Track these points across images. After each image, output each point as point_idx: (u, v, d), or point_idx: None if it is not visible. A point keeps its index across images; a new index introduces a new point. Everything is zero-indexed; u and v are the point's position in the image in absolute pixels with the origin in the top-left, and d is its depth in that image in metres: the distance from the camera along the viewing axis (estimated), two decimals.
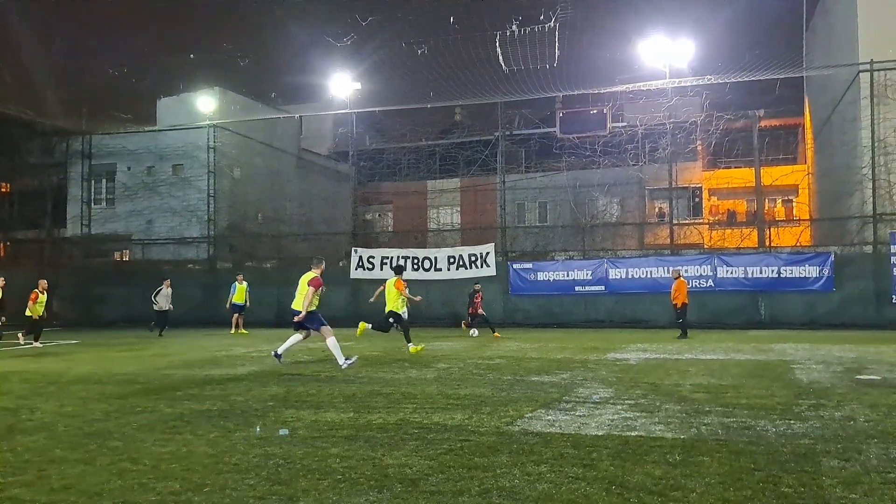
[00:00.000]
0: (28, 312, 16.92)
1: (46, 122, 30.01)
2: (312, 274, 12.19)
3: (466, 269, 25.47)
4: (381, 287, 16.48)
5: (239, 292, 22.94)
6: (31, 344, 17.15)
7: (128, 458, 5.86)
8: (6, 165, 30.90)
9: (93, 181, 31.46)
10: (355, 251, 26.98)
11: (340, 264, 27.37)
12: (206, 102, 30.80)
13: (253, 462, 5.72)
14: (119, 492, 4.94)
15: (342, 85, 29.75)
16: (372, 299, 17.20)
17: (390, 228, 38.55)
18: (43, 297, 17.42)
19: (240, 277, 23.35)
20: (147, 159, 31.38)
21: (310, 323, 12.08)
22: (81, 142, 31.14)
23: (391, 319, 15.36)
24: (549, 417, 7.48)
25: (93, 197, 31.43)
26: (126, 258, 31.97)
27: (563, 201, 33.50)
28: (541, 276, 24.79)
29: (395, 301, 15.34)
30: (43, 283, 17.79)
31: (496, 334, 19.71)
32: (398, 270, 16.45)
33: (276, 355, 12.43)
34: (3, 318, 17.42)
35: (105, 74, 32.65)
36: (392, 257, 26.51)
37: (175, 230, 30.43)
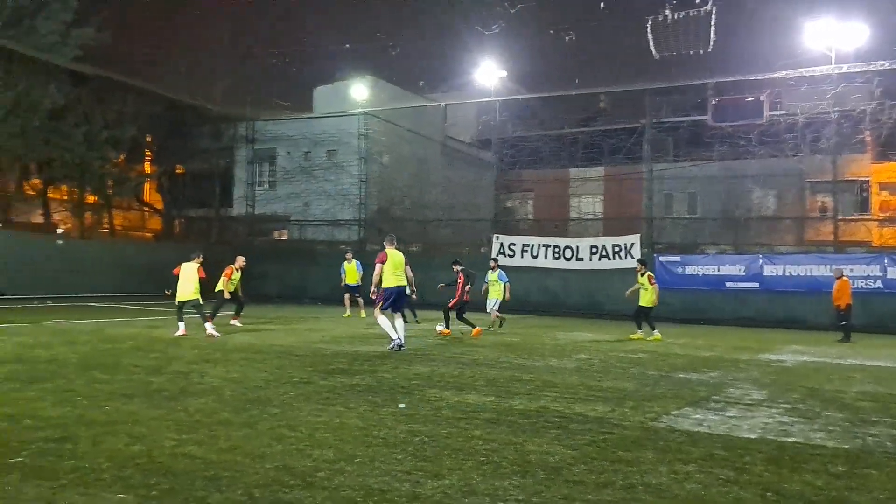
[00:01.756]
0: (219, 287, 15.80)
1: (215, 109, 32.22)
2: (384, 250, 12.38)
3: (609, 259, 24.99)
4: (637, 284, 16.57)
5: (349, 272, 20.77)
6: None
7: (286, 425, 6.22)
8: (181, 149, 33.40)
9: (256, 164, 33.47)
10: (496, 238, 27.13)
11: (482, 250, 27.62)
12: (358, 91, 31.89)
13: (400, 437, 5.92)
14: (279, 456, 5.26)
15: (488, 73, 29.88)
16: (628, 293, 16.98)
17: (531, 216, 38.39)
18: (237, 276, 16.22)
19: (348, 256, 21.39)
20: (304, 145, 32.94)
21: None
22: (246, 127, 33.20)
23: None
24: (697, 416, 7.26)
25: (256, 179, 33.45)
26: (284, 237, 33.77)
27: (715, 192, 32.10)
28: (689, 270, 23.92)
29: (651, 296, 16.02)
30: (240, 260, 16.50)
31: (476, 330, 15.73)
32: (644, 263, 16.90)
33: (400, 346, 12.12)
34: (168, 291, 16.62)
35: (268, 63, 34.52)
36: (532, 245, 26.48)
37: (329, 212, 31.80)
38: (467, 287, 16.13)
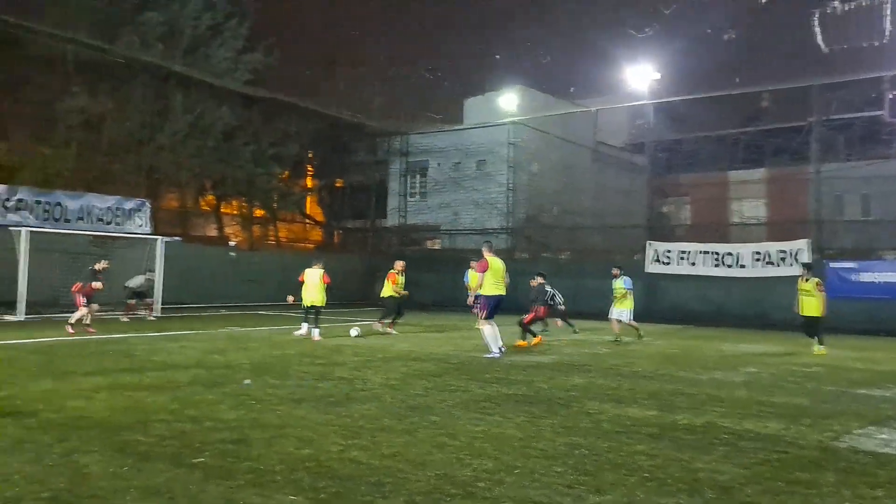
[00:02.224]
0: (386, 293, 16.85)
1: (371, 125, 33.54)
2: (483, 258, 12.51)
3: (775, 266, 23.54)
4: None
5: (473, 279, 20.50)
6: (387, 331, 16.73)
7: (446, 434, 6.32)
8: (339, 164, 35.06)
9: (408, 176, 34.50)
10: (650, 245, 26.30)
11: (635, 258, 26.90)
12: (507, 100, 32.11)
13: (559, 450, 5.86)
14: (440, 464, 5.34)
15: (640, 76, 29.19)
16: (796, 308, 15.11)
17: (688, 221, 37.00)
18: (401, 279, 16.92)
19: (473, 264, 20.72)
20: (454, 156, 33.54)
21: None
22: (399, 141, 34.31)
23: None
24: (883, 436, 6.69)
25: (408, 191, 34.47)
26: (436, 246, 34.51)
27: (893, 193, 29.56)
28: (865, 278, 22.07)
29: (818, 304, 14.66)
30: (399, 263, 17.19)
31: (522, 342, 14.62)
32: (809, 268, 15.67)
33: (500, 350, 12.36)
34: (292, 299, 16.28)
35: (420, 78, 35.55)
36: (690, 252, 25.44)
37: (478, 221, 32.16)
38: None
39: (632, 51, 30.06)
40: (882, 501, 4.68)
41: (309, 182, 37.49)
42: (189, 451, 5.53)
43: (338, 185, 36.87)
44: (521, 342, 14.26)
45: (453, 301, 28.84)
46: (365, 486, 4.76)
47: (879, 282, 21.81)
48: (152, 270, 20.47)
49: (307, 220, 38.57)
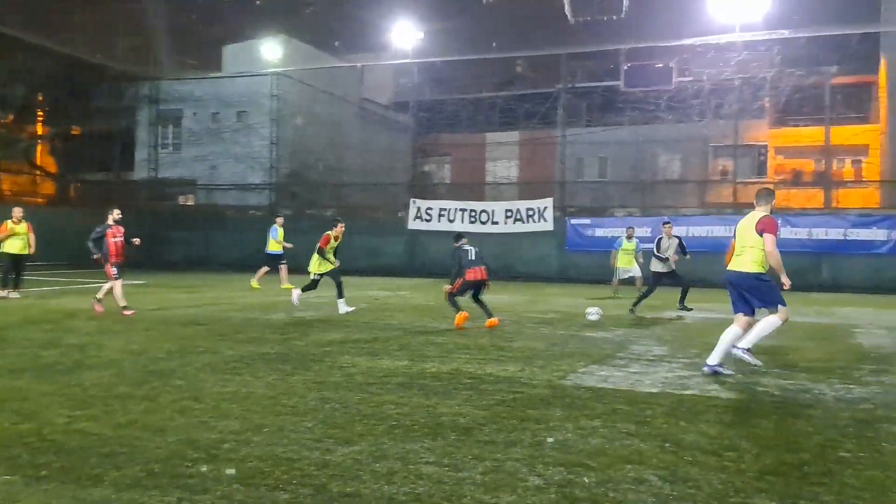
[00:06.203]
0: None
1: (115, 67, 30.63)
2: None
3: (523, 223, 25.30)
4: None
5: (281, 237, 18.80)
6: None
7: (190, 397, 6.06)
8: (77, 109, 31.75)
9: (160, 126, 32.11)
10: (413, 202, 27.05)
11: (399, 215, 27.56)
12: (270, 50, 30.95)
13: (310, 405, 5.86)
14: (182, 429, 5.12)
15: (405, 34, 29.53)
16: None
17: (448, 180, 38.49)
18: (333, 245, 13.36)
19: (279, 220, 19.34)
20: (212, 105, 31.81)
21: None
22: (149, 87, 31.75)
23: None
24: (603, 373, 7.47)
25: (160, 142, 32.10)
26: (190, 202, 32.71)
27: (624, 157, 32.90)
28: (599, 233, 24.44)
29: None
30: (340, 227, 13.62)
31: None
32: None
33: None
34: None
35: (174, 20, 33.00)
36: (449, 209, 26.53)
37: (238, 176, 30.94)
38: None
39: (396, 8, 30.21)
40: (598, 431, 5.20)
41: (39, 129, 33.61)
42: None
43: (74, 132, 33.42)
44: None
45: (207, 259, 27.67)
46: (95, 458, 4.44)
47: (610, 236, 24.17)
48: None
49: (37, 172, 34.66)
